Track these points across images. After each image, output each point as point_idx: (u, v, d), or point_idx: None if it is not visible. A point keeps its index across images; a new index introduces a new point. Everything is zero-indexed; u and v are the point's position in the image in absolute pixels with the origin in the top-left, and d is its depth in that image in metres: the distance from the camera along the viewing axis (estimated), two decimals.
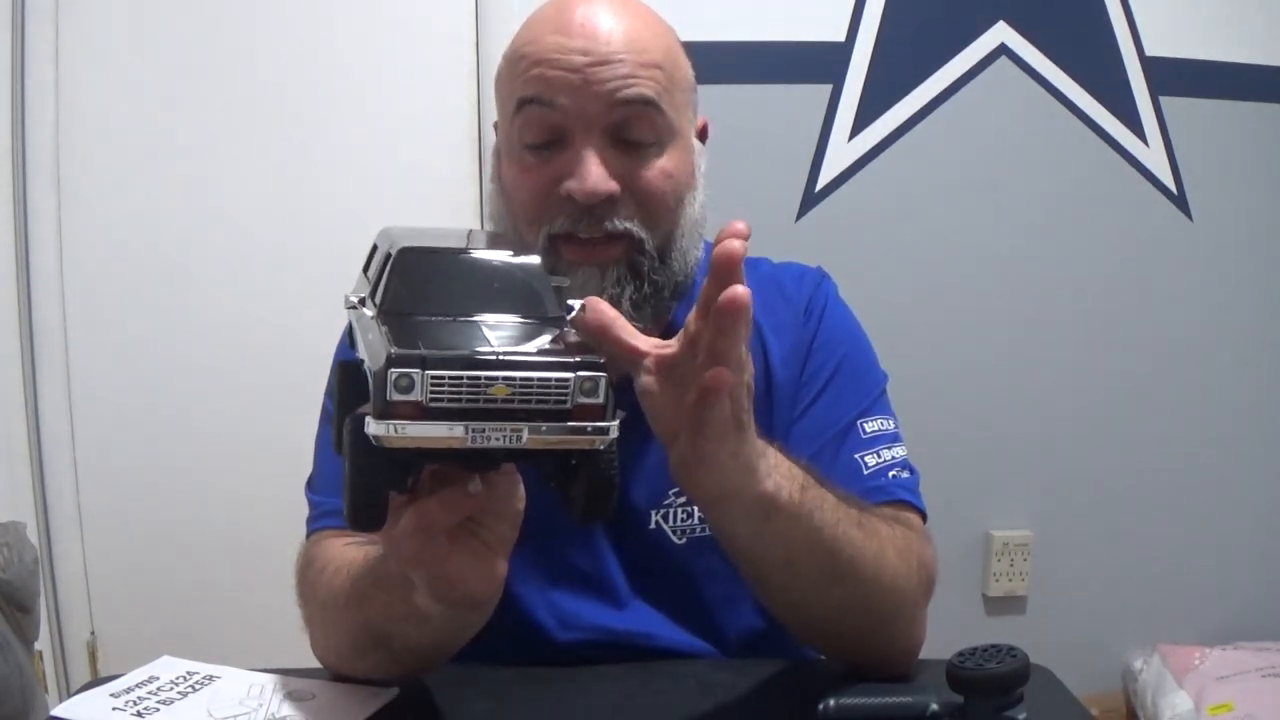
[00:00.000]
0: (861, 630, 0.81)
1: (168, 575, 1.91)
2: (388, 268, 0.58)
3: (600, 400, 0.54)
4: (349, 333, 0.64)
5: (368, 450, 0.53)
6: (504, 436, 0.52)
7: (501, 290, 0.59)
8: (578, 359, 0.54)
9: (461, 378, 0.51)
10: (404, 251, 0.58)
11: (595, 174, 0.83)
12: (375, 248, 0.64)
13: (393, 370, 0.49)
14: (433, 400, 0.50)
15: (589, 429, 0.54)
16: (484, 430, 0.52)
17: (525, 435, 0.53)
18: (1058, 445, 2.00)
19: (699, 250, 0.92)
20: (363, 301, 0.58)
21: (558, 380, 0.53)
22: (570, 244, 0.85)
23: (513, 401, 0.52)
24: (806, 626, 0.84)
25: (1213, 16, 1.91)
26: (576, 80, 0.83)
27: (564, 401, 0.53)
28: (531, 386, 0.53)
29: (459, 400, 0.51)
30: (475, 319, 0.57)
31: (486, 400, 0.52)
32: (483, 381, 0.51)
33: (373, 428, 0.51)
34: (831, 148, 1.88)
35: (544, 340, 0.58)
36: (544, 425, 0.53)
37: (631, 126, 0.85)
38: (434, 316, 0.56)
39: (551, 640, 0.90)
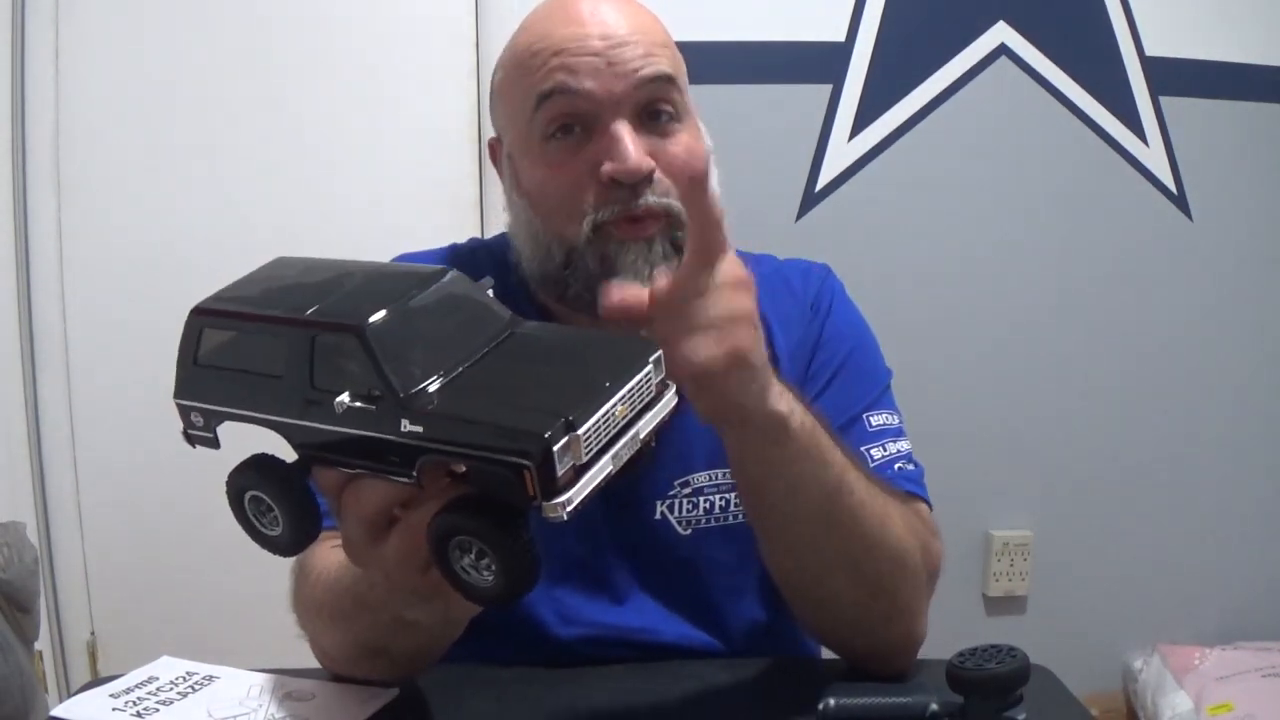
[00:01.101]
0: (858, 599, 0.81)
1: (168, 575, 1.91)
2: (370, 352, 0.51)
3: (663, 372, 0.57)
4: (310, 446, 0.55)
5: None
6: (629, 447, 0.53)
7: (469, 315, 0.57)
8: (647, 348, 0.56)
9: (599, 420, 0.51)
10: (373, 327, 0.51)
11: (635, 152, 0.83)
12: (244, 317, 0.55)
13: (554, 448, 0.48)
14: (587, 451, 0.50)
15: (668, 396, 0.57)
16: (620, 453, 0.52)
17: (642, 434, 0.54)
18: (1058, 445, 2.00)
19: None
20: (368, 397, 0.51)
21: (646, 375, 0.54)
22: (617, 224, 0.85)
23: (629, 413, 0.53)
24: (804, 582, 0.83)
25: (1213, 16, 1.91)
26: (600, 64, 0.84)
27: (651, 390, 0.55)
28: (636, 392, 0.54)
29: (601, 440, 0.51)
30: (486, 353, 0.55)
31: (614, 425, 0.52)
32: (613, 412, 0.52)
33: (550, 511, 0.49)
34: (831, 148, 1.88)
35: (574, 341, 0.59)
36: (644, 418, 0.55)
37: (656, 102, 0.86)
38: (458, 373, 0.53)
39: (552, 636, 0.90)
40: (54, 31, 1.80)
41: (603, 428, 0.51)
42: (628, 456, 0.53)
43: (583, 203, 0.84)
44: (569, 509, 0.49)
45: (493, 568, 0.52)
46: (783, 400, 0.73)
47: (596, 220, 0.84)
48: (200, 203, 1.85)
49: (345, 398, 0.51)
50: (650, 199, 0.84)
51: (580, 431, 0.49)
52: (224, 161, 1.85)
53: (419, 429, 0.50)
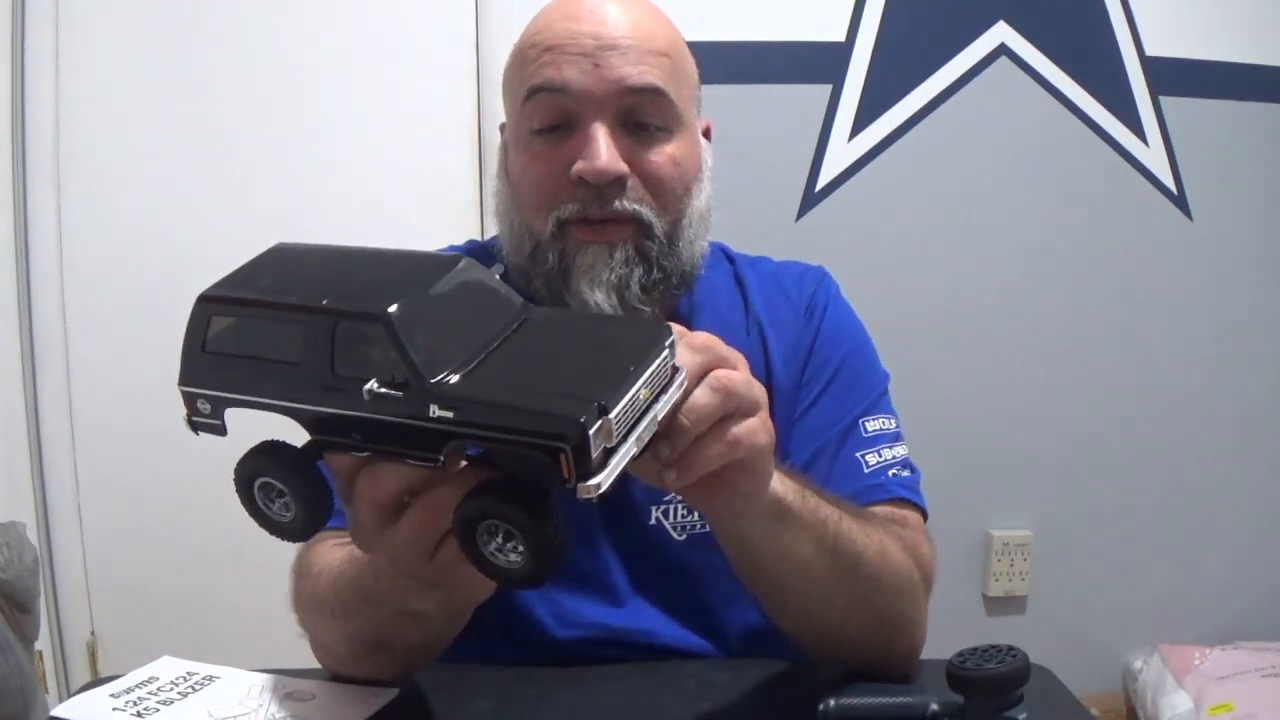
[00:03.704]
0: (867, 629, 0.81)
1: (168, 575, 1.91)
2: (396, 339, 0.51)
3: (675, 356, 0.57)
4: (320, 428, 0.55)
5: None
6: (650, 429, 0.54)
7: (485, 302, 0.57)
8: (662, 331, 0.56)
9: (627, 403, 0.51)
10: (398, 315, 0.51)
11: (606, 154, 0.83)
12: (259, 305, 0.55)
13: (590, 431, 0.49)
14: (617, 434, 0.51)
15: (679, 378, 0.57)
16: (642, 435, 0.53)
17: (660, 416, 0.55)
18: (1058, 445, 2.00)
19: (705, 243, 0.92)
20: (395, 383, 0.51)
21: (664, 359, 0.55)
22: (579, 224, 0.85)
23: (650, 397, 0.54)
24: (818, 632, 0.82)
25: (1213, 16, 1.91)
26: (587, 65, 0.84)
27: (667, 373, 0.56)
28: (656, 375, 0.54)
29: (628, 422, 0.52)
30: (505, 339, 0.55)
31: (639, 407, 0.53)
32: (638, 395, 0.53)
33: (584, 493, 0.50)
34: (831, 148, 1.88)
35: (589, 325, 0.60)
36: (660, 401, 0.55)
37: (640, 112, 0.86)
38: (481, 358, 0.53)
39: (550, 638, 0.90)
40: (54, 31, 1.80)
41: (630, 410, 0.52)
42: (649, 438, 0.54)
43: (553, 197, 0.85)
44: (601, 490, 0.50)
45: (520, 550, 0.53)
46: (777, 483, 0.71)
47: (560, 216, 0.85)
48: (200, 203, 1.84)
49: (374, 384, 0.51)
50: (619, 203, 0.84)
51: (612, 415, 0.50)
52: (224, 162, 1.84)
53: (449, 414, 0.51)
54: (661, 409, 0.55)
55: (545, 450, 0.49)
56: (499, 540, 0.53)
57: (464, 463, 0.54)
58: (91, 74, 1.81)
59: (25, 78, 1.79)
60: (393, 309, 0.51)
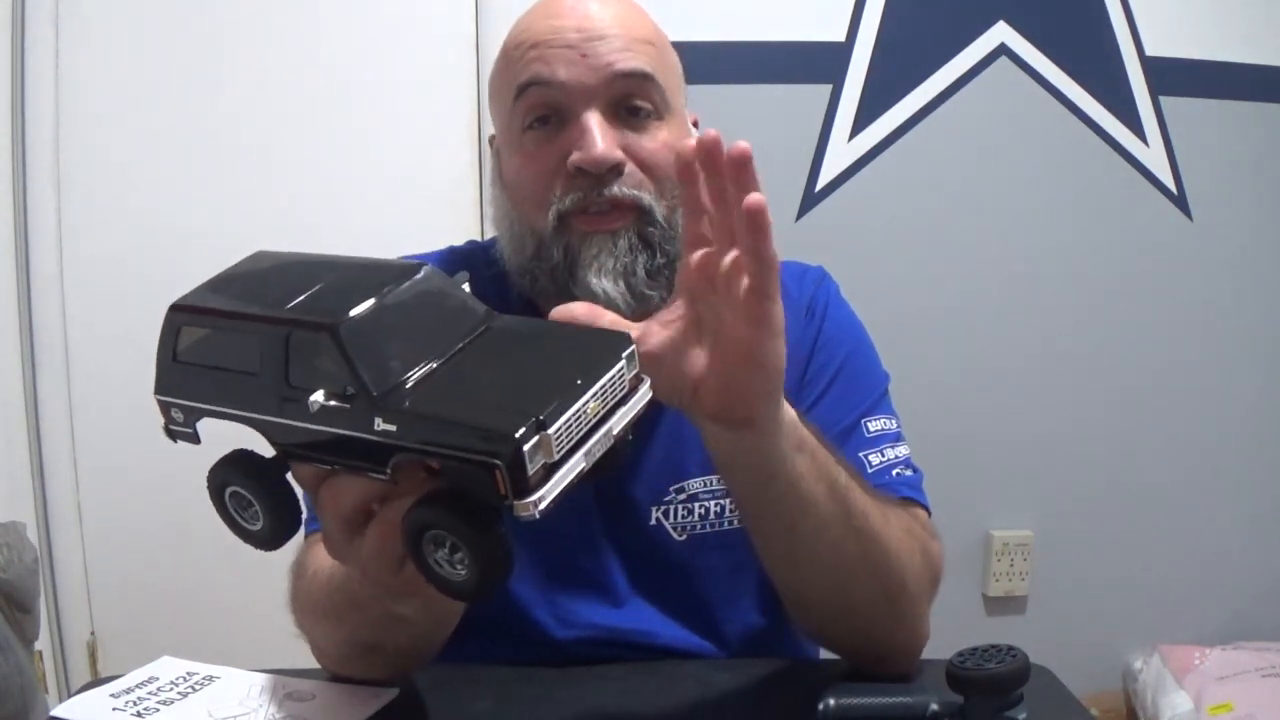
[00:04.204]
0: (872, 604, 0.80)
1: (168, 575, 1.91)
2: (343, 350, 0.51)
3: (636, 367, 0.56)
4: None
5: None
6: (602, 444, 0.53)
7: (445, 311, 0.56)
8: (620, 342, 0.55)
9: (570, 419, 0.50)
10: (347, 326, 0.51)
11: (602, 141, 0.83)
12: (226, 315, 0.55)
13: (524, 447, 0.48)
14: (558, 450, 0.50)
15: (642, 391, 0.56)
16: (592, 450, 0.52)
17: (615, 430, 0.53)
18: (1058, 445, 2.00)
19: None
20: (342, 395, 0.51)
21: (619, 371, 0.54)
22: (580, 216, 0.85)
23: (601, 410, 0.53)
24: (823, 598, 0.81)
25: (1213, 16, 1.91)
26: (574, 55, 0.84)
27: (624, 385, 0.55)
28: (609, 388, 0.53)
29: (573, 438, 0.51)
30: (460, 349, 0.55)
31: (586, 422, 0.52)
32: (584, 410, 0.51)
33: (521, 510, 0.49)
34: (831, 148, 1.88)
35: (549, 337, 0.58)
36: (617, 414, 0.54)
37: (631, 98, 0.86)
38: (432, 370, 0.53)
39: (550, 639, 0.90)
40: (54, 31, 1.80)
41: (574, 426, 0.51)
42: (600, 453, 0.53)
43: (551, 192, 0.85)
44: (540, 508, 0.49)
45: (465, 561, 0.52)
46: (790, 409, 0.72)
47: (560, 209, 0.85)
48: (200, 203, 1.84)
49: (319, 396, 0.51)
50: (617, 189, 0.84)
51: (551, 430, 0.49)
52: (224, 162, 1.85)
53: (392, 428, 0.50)
54: (618, 423, 0.54)
55: (481, 466, 0.48)
56: (445, 551, 0.52)
57: (422, 475, 0.54)
58: (92, 73, 1.81)
59: (25, 77, 1.80)
60: (342, 320, 0.51)
